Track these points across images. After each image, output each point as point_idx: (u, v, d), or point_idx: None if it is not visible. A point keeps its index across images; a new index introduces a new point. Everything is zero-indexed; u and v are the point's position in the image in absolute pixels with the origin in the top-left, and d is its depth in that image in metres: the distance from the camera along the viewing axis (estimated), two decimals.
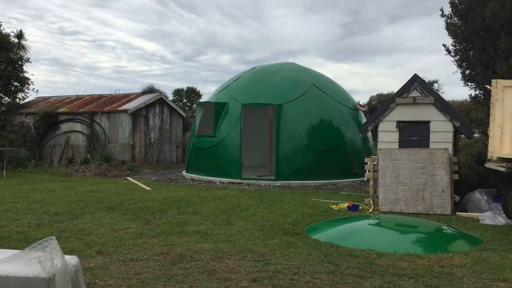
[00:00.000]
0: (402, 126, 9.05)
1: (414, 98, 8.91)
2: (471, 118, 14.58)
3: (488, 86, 7.47)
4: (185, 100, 47.34)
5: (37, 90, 21.03)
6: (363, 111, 13.54)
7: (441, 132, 8.68)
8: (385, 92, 32.12)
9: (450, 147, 8.51)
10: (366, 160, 9.20)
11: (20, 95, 19.48)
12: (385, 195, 8.42)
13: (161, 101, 18.60)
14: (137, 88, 22.47)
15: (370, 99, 13.27)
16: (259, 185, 12.12)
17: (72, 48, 73.98)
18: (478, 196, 8.35)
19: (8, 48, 18.07)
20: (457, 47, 9.86)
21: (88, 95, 20.59)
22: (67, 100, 20.18)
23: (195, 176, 13.60)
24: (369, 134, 12.73)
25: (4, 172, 13.96)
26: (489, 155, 7.13)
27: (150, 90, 19.04)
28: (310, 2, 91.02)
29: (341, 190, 11.16)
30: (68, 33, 73.17)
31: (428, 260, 4.93)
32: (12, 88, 18.98)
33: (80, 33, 75.50)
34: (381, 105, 11.49)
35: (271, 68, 14.85)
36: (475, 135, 13.03)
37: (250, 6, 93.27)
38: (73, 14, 72.52)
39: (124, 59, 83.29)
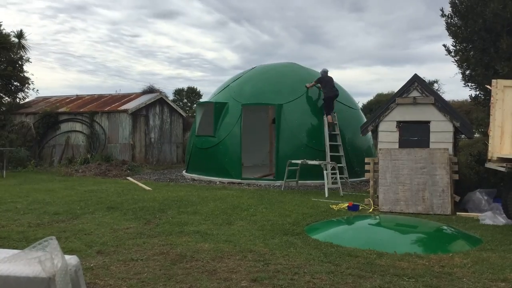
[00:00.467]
0: (402, 126, 9.06)
1: (414, 98, 8.91)
2: (472, 119, 14.57)
3: (488, 86, 7.47)
4: (185, 100, 47.36)
5: (37, 90, 20.97)
6: (311, 86, 13.08)
7: (441, 132, 8.68)
8: (385, 92, 32.09)
9: (450, 147, 8.52)
10: (367, 160, 9.20)
11: (20, 95, 19.48)
12: (385, 195, 8.42)
13: (161, 101, 18.60)
14: (138, 88, 22.49)
15: (321, 72, 13.00)
16: (259, 185, 12.12)
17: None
18: (478, 196, 8.35)
19: (8, 48, 18.06)
20: (458, 47, 9.85)
21: (88, 95, 20.59)
22: (67, 100, 20.19)
23: (195, 176, 13.60)
24: (369, 134, 12.72)
25: (4, 172, 13.96)
26: (489, 155, 7.13)
27: (150, 90, 19.05)
28: None
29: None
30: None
31: (428, 260, 4.92)
32: (12, 88, 18.97)
33: None
34: (381, 105, 11.49)
35: (271, 68, 14.85)
36: (475, 135, 13.02)
37: None
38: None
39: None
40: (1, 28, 18.00)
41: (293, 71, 14.36)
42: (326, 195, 9.91)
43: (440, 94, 12.95)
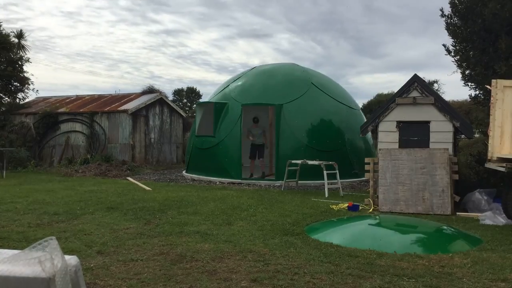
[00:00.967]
0: (402, 126, 9.05)
1: (414, 98, 8.91)
2: (471, 119, 14.58)
3: (488, 86, 7.47)
4: (185, 100, 47.43)
5: (37, 90, 21.03)
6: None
7: (441, 132, 8.68)
8: (385, 91, 32.09)
9: (450, 147, 8.52)
10: (366, 160, 9.20)
11: (20, 95, 19.47)
12: (385, 195, 8.42)
13: (161, 101, 18.59)
14: (137, 89, 22.52)
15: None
16: (259, 185, 12.12)
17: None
18: (478, 196, 8.35)
19: (8, 48, 18.05)
20: (457, 47, 9.85)
21: (88, 95, 20.59)
22: (67, 100, 20.18)
23: (195, 176, 13.60)
24: (369, 134, 12.72)
25: (4, 172, 13.96)
26: (489, 155, 7.13)
27: (150, 90, 19.04)
28: None
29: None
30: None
31: (428, 260, 4.92)
32: (12, 88, 18.96)
33: None
34: (381, 105, 11.48)
35: (271, 68, 14.85)
36: (475, 135, 13.02)
37: None
38: None
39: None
40: (1, 28, 18.01)
41: (293, 71, 14.35)
42: (326, 195, 9.92)
43: (440, 95, 12.94)
